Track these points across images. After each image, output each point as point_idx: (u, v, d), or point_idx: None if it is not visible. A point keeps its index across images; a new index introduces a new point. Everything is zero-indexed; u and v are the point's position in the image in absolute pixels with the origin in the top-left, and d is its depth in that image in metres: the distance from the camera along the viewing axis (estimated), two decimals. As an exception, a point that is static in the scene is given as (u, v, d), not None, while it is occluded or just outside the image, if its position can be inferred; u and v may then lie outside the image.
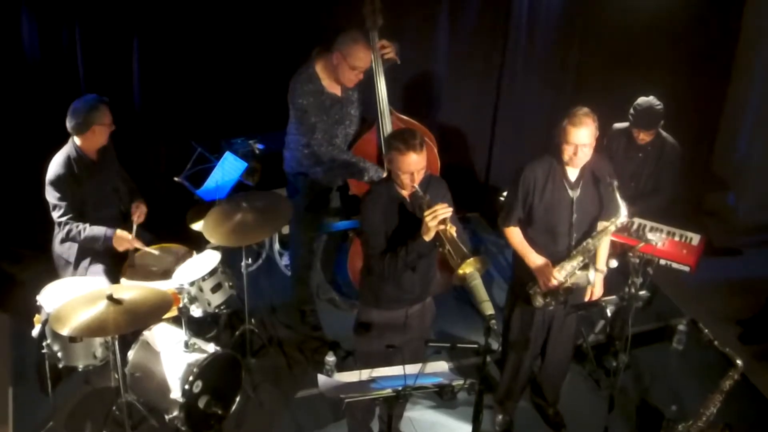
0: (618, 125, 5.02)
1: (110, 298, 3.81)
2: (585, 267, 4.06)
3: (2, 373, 4.76)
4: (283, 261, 5.71)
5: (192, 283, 4.43)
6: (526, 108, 6.32)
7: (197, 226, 4.75)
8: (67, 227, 4.30)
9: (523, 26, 6.07)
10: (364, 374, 3.49)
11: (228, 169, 5.01)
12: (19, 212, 5.43)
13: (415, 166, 3.60)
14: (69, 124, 4.30)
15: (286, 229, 5.50)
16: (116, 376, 4.19)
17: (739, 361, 4.12)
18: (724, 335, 5.00)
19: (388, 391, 3.35)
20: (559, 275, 4.01)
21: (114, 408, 4.27)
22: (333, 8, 5.38)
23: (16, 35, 5.12)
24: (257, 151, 5.18)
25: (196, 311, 4.47)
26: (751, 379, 4.89)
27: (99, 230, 4.33)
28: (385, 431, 3.69)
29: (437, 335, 4.90)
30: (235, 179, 5.00)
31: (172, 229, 4.90)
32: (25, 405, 4.55)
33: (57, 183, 4.28)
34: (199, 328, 4.74)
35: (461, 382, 3.41)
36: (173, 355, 4.19)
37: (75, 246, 4.42)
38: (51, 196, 4.31)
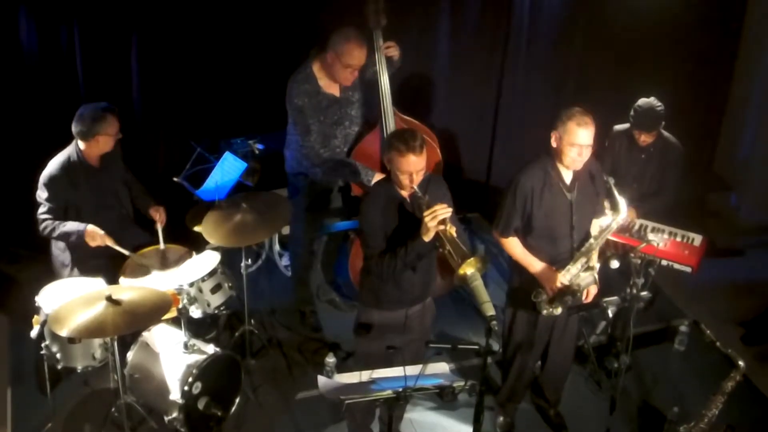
0: (619, 126, 5.00)
1: (109, 299, 3.81)
2: (589, 268, 4.04)
3: (1, 374, 4.74)
4: (283, 262, 5.70)
5: (191, 284, 4.42)
6: (527, 108, 6.31)
7: (196, 226, 4.74)
8: (43, 224, 4.29)
9: (525, 26, 6.07)
10: (365, 375, 3.49)
11: (227, 169, 5.01)
12: (18, 213, 5.40)
13: (414, 167, 3.59)
14: (74, 128, 4.28)
15: (286, 230, 5.48)
16: (115, 377, 4.19)
17: (741, 363, 4.10)
18: (726, 336, 4.97)
19: (388, 393, 3.34)
20: (565, 279, 3.99)
21: (113, 409, 4.27)
22: (333, 8, 5.36)
23: (14, 34, 5.11)
24: (257, 152, 5.17)
25: (195, 312, 4.46)
26: (754, 381, 4.87)
27: (72, 225, 4.30)
28: (385, 432, 3.68)
29: (438, 336, 4.89)
30: (235, 179, 5.00)
31: (171, 230, 4.87)
32: (23, 406, 4.53)
33: (49, 183, 4.28)
34: (198, 329, 4.73)
35: (462, 383, 3.39)
36: (172, 357, 4.18)
37: (69, 249, 4.40)
38: (40, 193, 4.30)
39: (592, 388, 4.93)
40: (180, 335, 4.23)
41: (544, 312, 4.08)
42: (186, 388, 4.05)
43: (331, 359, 4.72)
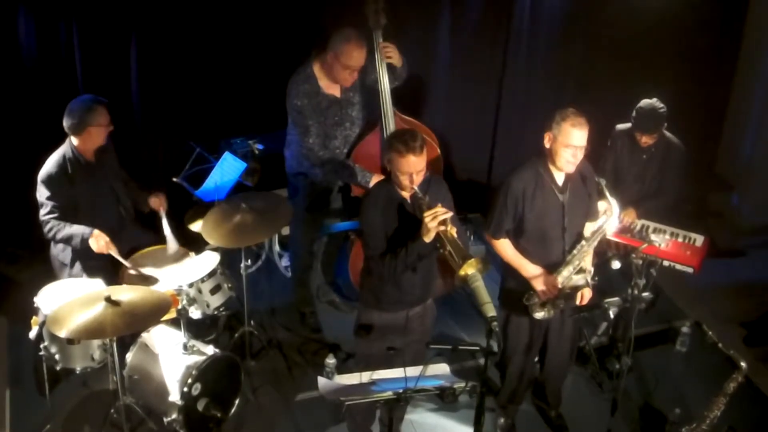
0: (621, 126, 4.99)
1: (108, 299, 3.79)
2: (581, 270, 4.02)
3: (-1, 375, 4.75)
4: (283, 262, 5.69)
5: (191, 285, 4.41)
6: (528, 108, 6.29)
7: (196, 227, 4.73)
8: (48, 225, 4.27)
9: (526, 26, 6.06)
10: (365, 377, 3.49)
11: (227, 169, 5.00)
12: (16, 213, 5.40)
13: (414, 167, 3.58)
14: (65, 123, 4.27)
15: (285, 230, 5.48)
16: (114, 378, 4.18)
17: (743, 364, 4.10)
18: (728, 337, 4.97)
19: (388, 394, 3.34)
20: (557, 282, 3.96)
21: (112, 411, 4.25)
22: (334, 7, 5.35)
23: (12, 33, 5.10)
24: (257, 152, 5.16)
25: (195, 313, 4.46)
26: (755, 382, 4.86)
27: (78, 229, 4.27)
28: (386, 434, 3.67)
29: (438, 337, 4.87)
30: (235, 180, 4.99)
31: (171, 230, 4.86)
32: (22, 407, 4.52)
33: (48, 182, 4.26)
34: (198, 330, 4.71)
35: (463, 384, 3.39)
36: (172, 358, 4.17)
37: (69, 248, 4.39)
38: (40, 194, 4.28)
39: (594, 390, 4.92)
40: (179, 336, 4.22)
41: (537, 315, 4.05)
42: (185, 389, 4.04)
43: (331, 360, 4.71)
